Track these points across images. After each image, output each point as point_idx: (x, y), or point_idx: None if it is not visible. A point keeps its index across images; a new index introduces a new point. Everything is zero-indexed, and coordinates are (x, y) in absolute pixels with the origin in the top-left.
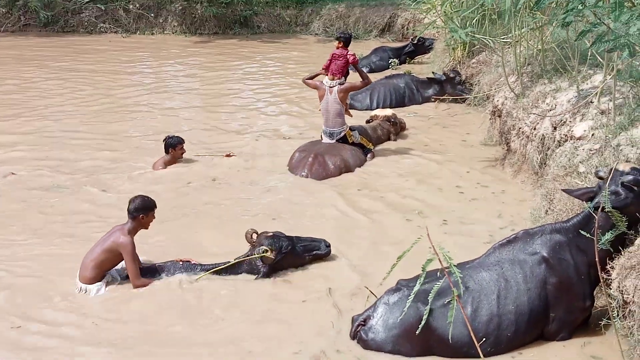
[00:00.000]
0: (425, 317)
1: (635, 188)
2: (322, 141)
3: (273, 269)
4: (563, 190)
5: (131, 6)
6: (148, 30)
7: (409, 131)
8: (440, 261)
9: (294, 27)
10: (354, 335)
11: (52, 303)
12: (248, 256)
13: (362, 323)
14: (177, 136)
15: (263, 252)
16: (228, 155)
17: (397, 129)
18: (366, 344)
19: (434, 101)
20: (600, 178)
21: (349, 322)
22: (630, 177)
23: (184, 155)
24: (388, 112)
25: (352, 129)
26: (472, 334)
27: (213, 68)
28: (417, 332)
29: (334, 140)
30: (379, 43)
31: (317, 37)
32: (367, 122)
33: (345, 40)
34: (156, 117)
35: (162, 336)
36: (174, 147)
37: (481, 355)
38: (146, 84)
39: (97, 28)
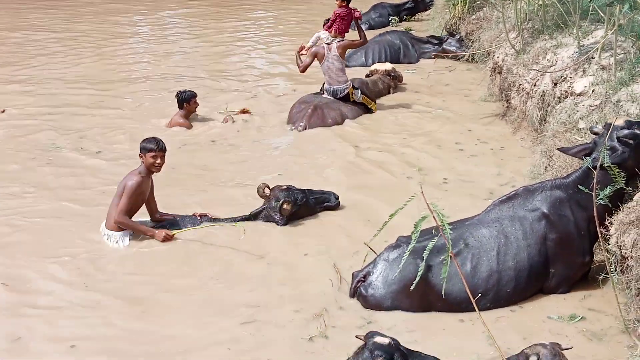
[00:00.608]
0: (420, 273)
1: (632, 142)
2: (324, 96)
3: (287, 220)
4: (558, 149)
5: None
6: None
7: (408, 87)
8: (434, 219)
9: None
10: (354, 292)
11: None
12: (263, 210)
13: (362, 279)
14: (189, 90)
15: (281, 205)
16: (243, 111)
17: (396, 82)
18: (366, 300)
19: (433, 58)
20: (595, 134)
21: (350, 279)
22: (626, 132)
23: (197, 110)
24: (388, 66)
25: (354, 86)
26: (467, 290)
27: (210, 25)
28: (411, 288)
29: (337, 98)
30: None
31: None
32: (367, 76)
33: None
34: (155, 75)
35: (163, 289)
36: (187, 101)
37: (477, 311)
38: (143, 40)
39: None
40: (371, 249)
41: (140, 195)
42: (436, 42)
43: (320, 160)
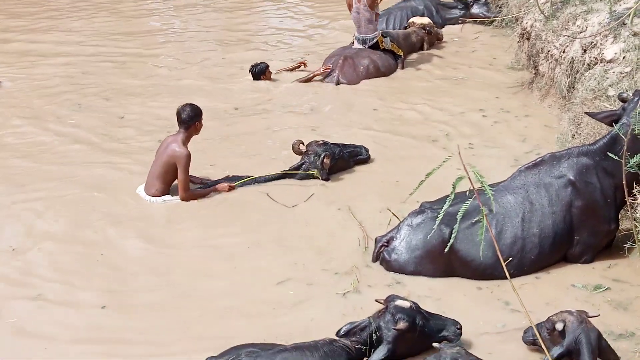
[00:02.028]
0: (453, 236)
1: None
2: (353, 46)
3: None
4: (586, 113)
5: None
6: None
7: (436, 54)
8: (470, 180)
9: None
10: (377, 256)
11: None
12: (302, 165)
13: (385, 244)
14: (262, 62)
15: (323, 159)
16: (302, 64)
17: (431, 38)
18: (389, 265)
19: (461, 23)
20: (623, 101)
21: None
22: None
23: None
24: (425, 20)
25: (384, 35)
26: (499, 254)
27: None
28: (445, 251)
29: (366, 47)
30: None
31: None
32: (405, 28)
33: None
34: (179, 47)
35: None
36: (264, 73)
37: (508, 276)
38: (167, 13)
39: None
40: (394, 214)
41: None
42: (462, 6)
43: (348, 118)
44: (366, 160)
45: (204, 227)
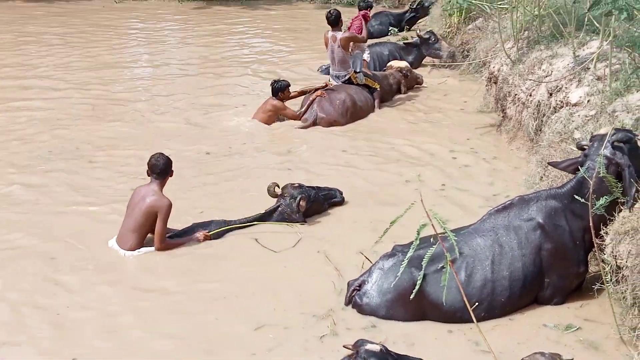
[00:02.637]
0: (419, 282)
1: (625, 145)
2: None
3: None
4: (549, 163)
5: None
6: None
7: (408, 97)
8: (433, 227)
9: None
10: (349, 300)
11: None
12: (279, 207)
13: (357, 288)
14: (284, 80)
15: (299, 202)
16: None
17: (409, 81)
18: (361, 309)
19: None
20: (583, 149)
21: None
22: (620, 134)
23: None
24: (402, 64)
25: (356, 71)
26: (464, 299)
27: (207, 35)
28: (411, 297)
29: (340, 82)
30: (378, 9)
31: (313, 4)
32: (382, 71)
33: (329, 20)
34: (152, 85)
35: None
36: (282, 90)
37: (475, 321)
38: (141, 50)
39: None
40: (366, 257)
41: None
42: (416, 48)
43: (323, 159)
44: (341, 202)
45: (181, 275)
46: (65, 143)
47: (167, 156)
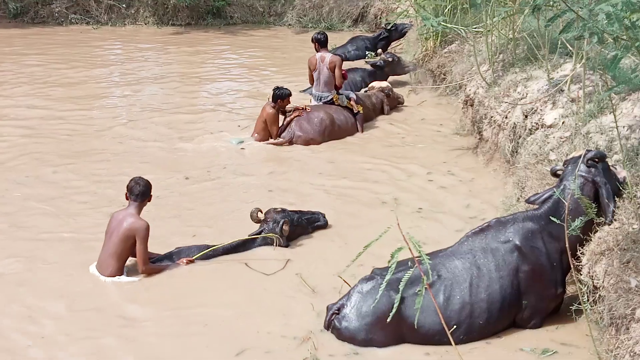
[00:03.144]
0: (396, 305)
1: (599, 163)
2: (310, 103)
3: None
4: (526, 201)
5: None
6: (120, 21)
7: (386, 119)
8: (410, 250)
9: (267, 18)
10: (328, 324)
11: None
12: (261, 232)
13: (336, 312)
14: (286, 88)
15: (282, 226)
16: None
17: (391, 101)
18: (339, 333)
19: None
20: (556, 175)
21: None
22: (593, 152)
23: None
24: (384, 84)
25: (339, 93)
26: (443, 322)
27: (186, 60)
28: (387, 320)
29: (321, 103)
30: (353, 34)
31: (291, 28)
32: (365, 92)
33: (320, 42)
34: (130, 109)
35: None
36: (283, 98)
37: (453, 344)
38: (119, 75)
39: (68, 19)
40: (345, 281)
41: None
42: (381, 71)
43: (302, 180)
44: (324, 226)
45: (162, 301)
46: (43, 168)
47: (146, 180)
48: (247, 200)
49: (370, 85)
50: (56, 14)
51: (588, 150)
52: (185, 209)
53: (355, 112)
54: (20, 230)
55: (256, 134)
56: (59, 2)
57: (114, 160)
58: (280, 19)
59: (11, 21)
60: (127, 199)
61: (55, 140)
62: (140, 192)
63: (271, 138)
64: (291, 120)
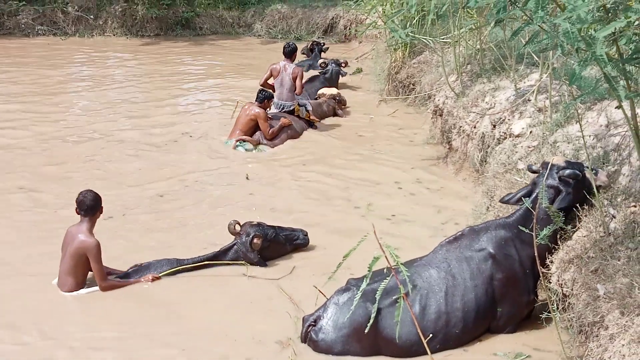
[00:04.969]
0: (372, 316)
1: (572, 181)
2: (270, 111)
3: (262, 256)
4: (500, 201)
5: (70, 8)
6: (88, 32)
7: (352, 129)
8: (387, 260)
9: (236, 29)
10: (305, 337)
11: None
12: (234, 245)
13: (313, 323)
14: (269, 91)
15: (252, 239)
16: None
17: (341, 106)
18: (316, 345)
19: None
20: (533, 172)
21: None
22: (568, 171)
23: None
24: (334, 91)
25: (300, 104)
26: (420, 333)
27: (157, 68)
28: (365, 331)
29: (282, 111)
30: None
31: (260, 39)
32: (315, 99)
33: (284, 51)
34: (96, 120)
35: (129, 339)
36: (268, 99)
37: (429, 354)
38: (86, 86)
39: (35, 30)
40: (321, 292)
41: None
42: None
43: (274, 188)
44: (304, 244)
45: (133, 314)
46: (14, 182)
47: (94, 192)
48: (224, 213)
49: (320, 92)
50: (22, 26)
51: (567, 163)
52: (161, 222)
53: (311, 124)
54: None
55: (241, 132)
56: (25, 14)
57: (86, 174)
58: (250, 30)
59: None
60: (77, 212)
61: (24, 154)
62: (88, 207)
63: (260, 136)
64: (283, 127)
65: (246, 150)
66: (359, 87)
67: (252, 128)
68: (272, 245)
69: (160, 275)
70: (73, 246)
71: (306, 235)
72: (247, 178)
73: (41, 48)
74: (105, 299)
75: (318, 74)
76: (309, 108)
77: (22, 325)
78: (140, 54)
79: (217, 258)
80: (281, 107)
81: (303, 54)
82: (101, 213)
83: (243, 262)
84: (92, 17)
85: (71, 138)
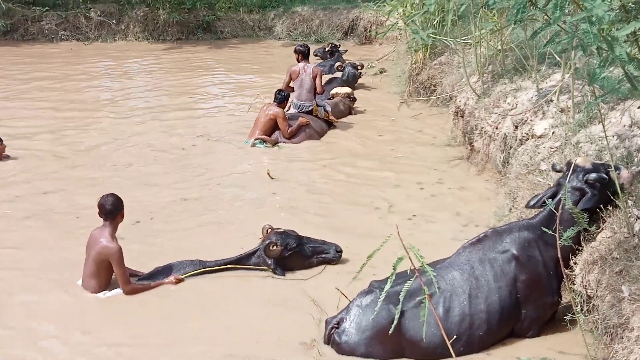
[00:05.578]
0: (396, 318)
1: (599, 185)
2: (289, 111)
3: (282, 266)
4: (526, 206)
5: (92, 13)
6: (110, 37)
7: (370, 131)
8: (411, 260)
9: (257, 32)
10: (328, 339)
11: None
12: (257, 250)
13: (336, 326)
14: (286, 92)
15: (267, 246)
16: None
17: (354, 104)
18: (339, 347)
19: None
20: (557, 171)
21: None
22: (595, 175)
23: None
24: (347, 90)
25: (319, 105)
26: (444, 335)
27: (176, 75)
28: (389, 333)
29: (299, 112)
30: (344, 46)
31: (281, 41)
32: (329, 99)
33: (303, 53)
34: (122, 124)
35: (149, 339)
36: (286, 99)
37: (454, 356)
38: (111, 90)
39: (58, 36)
40: (343, 294)
41: None
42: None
43: (289, 192)
44: (333, 261)
45: (156, 321)
46: (40, 189)
47: (115, 196)
48: (246, 217)
49: (334, 92)
50: (46, 31)
51: (594, 166)
52: (183, 228)
53: (330, 124)
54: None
55: (260, 132)
56: (49, 19)
57: (111, 180)
58: (271, 32)
59: (1, 39)
60: (100, 216)
61: (49, 160)
62: (108, 211)
63: (279, 135)
64: (302, 126)
65: (265, 147)
66: (380, 89)
67: (271, 128)
68: (294, 256)
69: (183, 277)
70: (95, 250)
71: (339, 252)
72: (269, 176)
73: (65, 53)
74: (129, 300)
75: (335, 76)
76: (328, 109)
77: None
78: (162, 58)
79: (240, 262)
80: (300, 107)
81: (316, 55)
82: (122, 217)
83: (265, 267)
84: (114, 21)
85: (100, 143)
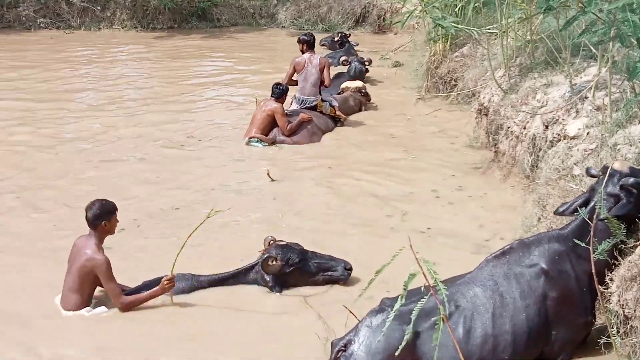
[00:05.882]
0: (406, 338)
1: (636, 191)
2: (291, 107)
3: (282, 283)
4: (555, 213)
5: None
6: (94, 25)
7: (381, 130)
8: (425, 277)
9: (258, 19)
10: None
11: None
12: (255, 265)
13: (343, 348)
14: (285, 85)
15: (264, 261)
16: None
17: (367, 99)
18: None
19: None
20: (592, 176)
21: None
22: (632, 180)
23: None
24: (359, 83)
25: (324, 100)
26: (461, 358)
27: (167, 67)
28: (397, 355)
29: (303, 107)
30: (355, 36)
31: (286, 30)
32: (338, 93)
33: (308, 43)
34: (104, 120)
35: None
36: (284, 93)
37: None
38: (92, 83)
39: (37, 23)
40: (351, 312)
41: None
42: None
43: (303, 193)
44: (341, 279)
45: (146, 336)
46: (23, 184)
47: (102, 202)
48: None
49: (344, 86)
50: (23, 18)
51: (632, 170)
52: (177, 237)
53: (337, 121)
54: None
55: (258, 130)
56: (26, 5)
57: (96, 180)
58: (273, 20)
59: None
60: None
61: (32, 158)
62: (91, 218)
63: (277, 133)
64: (303, 122)
65: (263, 146)
66: (395, 83)
67: (269, 125)
68: (296, 272)
69: (171, 275)
70: (80, 262)
71: (349, 269)
72: (269, 177)
73: (44, 42)
74: (117, 318)
75: (342, 71)
76: (334, 104)
77: None
78: (152, 49)
79: (237, 277)
80: (303, 102)
81: (323, 45)
82: (113, 226)
83: (263, 284)
84: (99, 8)
85: (79, 139)
